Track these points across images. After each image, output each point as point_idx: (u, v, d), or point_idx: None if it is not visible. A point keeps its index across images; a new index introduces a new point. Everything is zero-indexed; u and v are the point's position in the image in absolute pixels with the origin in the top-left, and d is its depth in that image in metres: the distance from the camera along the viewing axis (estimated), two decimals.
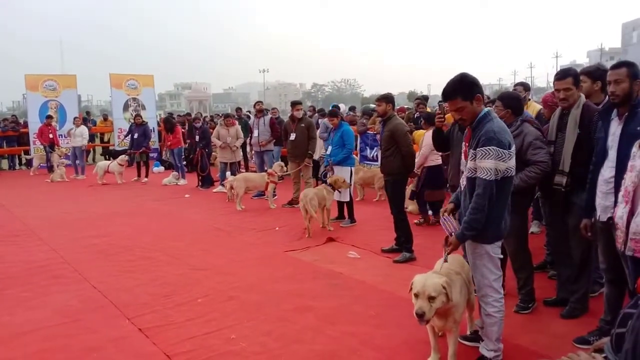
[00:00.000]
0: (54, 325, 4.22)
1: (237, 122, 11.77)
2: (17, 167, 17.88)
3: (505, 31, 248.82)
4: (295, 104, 9.33)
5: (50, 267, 5.87)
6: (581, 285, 4.12)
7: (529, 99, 6.80)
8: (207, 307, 4.56)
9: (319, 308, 4.47)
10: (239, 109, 15.68)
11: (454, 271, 3.31)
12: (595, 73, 4.34)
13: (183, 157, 13.36)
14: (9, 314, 4.48)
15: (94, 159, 19.05)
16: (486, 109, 3.20)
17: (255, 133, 10.67)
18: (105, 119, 20.79)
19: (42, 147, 15.60)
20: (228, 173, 11.25)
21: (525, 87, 6.95)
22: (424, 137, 7.32)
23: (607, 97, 4.43)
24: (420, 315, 2.97)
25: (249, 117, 15.27)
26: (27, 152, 17.27)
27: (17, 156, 18.10)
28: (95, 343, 3.88)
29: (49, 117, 15.36)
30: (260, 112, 11.00)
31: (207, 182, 11.95)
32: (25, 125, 17.75)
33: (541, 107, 5.74)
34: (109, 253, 6.41)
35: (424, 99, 12.27)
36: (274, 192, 9.53)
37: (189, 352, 3.70)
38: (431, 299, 2.98)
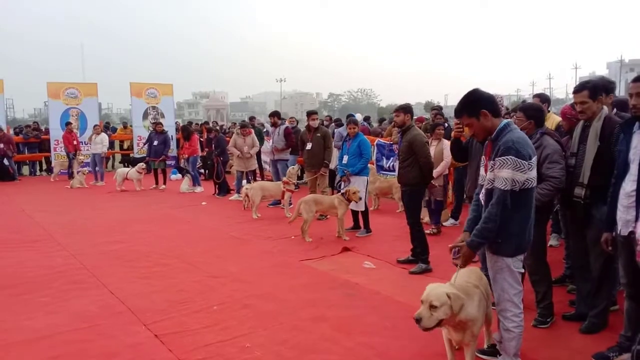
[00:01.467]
0: (72, 330, 4.27)
1: (253, 131, 11.86)
2: (38, 173, 18.19)
3: (524, 42, 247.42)
4: (311, 114, 9.37)
5: (69, 272, 5.94)
6: (601, 299, 4.06)
7: (549, 111, 6.73)
8: (223, 314, 4.58)
9: (334, 318, 4.46)
10: (252, 118, 15.80)
11: (473, 284, 3.28)
12: (608, 87, 4.39)
13: (199, 165, 13.48)
14: (28, 319, 4.54)
15: (113, 166, 19.31)
16: (505, 121, 3.19)
17: (270, 142, 10.76)
18: (125, 126, 21.08)
19: (63, 154, 15.87)
20: (244, 181, 11.32)
21: (543, 98, 6.81)
22: (445, 148, 7.31)
23: (614, 109, 4.45)
24: (417, 321, 2.96)
25: (262, 126, 15.41)
26: (48, 159, 17.58)
27: (37, 162, 18.41)
28: (112, 349, 3.92)
29: (69, 123, 15.62)
30: (275, 124, 11.08)
31: (223, 189, 12.03)
32: (47, 132, 18.08)
33: (561, 119, 5.69)
34: (127, 259, 6.47)
35: (439, 109, 12.33)
36: (290, 200, 9.56)
37: (204, 359, 3.72)
38: (433, 307, 2.95)
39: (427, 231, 7.23)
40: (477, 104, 3.16)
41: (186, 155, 13.09)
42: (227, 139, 13.79)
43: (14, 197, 12.27)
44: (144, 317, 4.51)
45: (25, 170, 18.26)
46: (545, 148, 4.07)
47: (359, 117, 15.06)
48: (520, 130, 4.11)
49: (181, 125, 17.65)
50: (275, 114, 11.41)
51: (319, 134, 8.91)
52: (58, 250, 7.05)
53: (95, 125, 15.50)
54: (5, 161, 15.85)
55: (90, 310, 4.73)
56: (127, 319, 4.51)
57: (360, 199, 7.40)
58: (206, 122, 20.58)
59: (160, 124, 14.40)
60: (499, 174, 3.05)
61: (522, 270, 3.24)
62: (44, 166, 18.24)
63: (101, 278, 5.67)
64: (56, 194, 13.01)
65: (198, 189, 12.72)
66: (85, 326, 4.36)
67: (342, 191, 7.56)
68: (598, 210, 3.88)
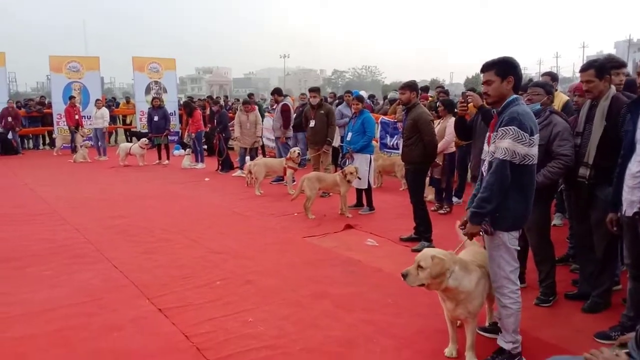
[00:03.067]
0: (75, 304, 4.29)
1: (256, 108, 11.78)
2: (41, 147, 18.19)
3: (531, 20, 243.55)
4: (311, 91, 9.27)
5: (73, 246, 5.96)
6: (604, 279, 4.05)
7: (556, 90, 6.63)
8: (225, 290, 4.60)
9: (336, 295, 4.47)
10: (251, 95, 15.73)
11: (477, 264, 3.29)
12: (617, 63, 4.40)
13: (203, 140, 13.44)
14: (31, 292, 4.57)
15: (116, 141, 19.28)
16: (515, 95, 3.18)
17: (272, 119, 10.74)
18: (128, 101, 20.98)
19: (65, 127, 15.83)
20: (247, 158, 11.29)
21: (553, 77, 6.72)
22: (448, 125, 7.22)
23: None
24: (403, 276, 3.13)
25: (264, 101, 15.38)
26: (51, 133, 17.57)
27: (40, 136, 18.39)
28: (115, 322, 3.94)
29: (72, 97, 15.53)
30: (277, 101, 11.01)
31: (226, 166, 12.01)
32: (49, 106, 18.03)
33: (568, 98, 5.62)
34: (130, 234, 6.49)
35: (442, 87, 12.36)
36: (293, 178, 9.54)
37: (207, 333, 3.74)
38: (420, 268, 3.08)
39: (432, 209, 7.25)
40: (511, 68, 3.19)
41: (193, 134, 12.97)
42: (231, 115, 13.73)
43: (17, 171, 12.28)
44: (147, 291, 4.53)
45: (29, 144, 18.25)
46: (555, 125, 4.03)
47: (364, 94, 14.93)
48: (541, 104, 4.13)
49: (183, 100, 17.52)
50: (276, 91, 11.31)
51: (322, 111, 8.84)
52: (61, 224, 7.06)
53: (97, 100, 15.41)
54: (10, 135, 15.84)
55: (93, 284, 4.75)
56: (130, 293, 4.54)
57: (359, 178, 7.38)
58: (210, 97, 20.39)
59: (158, 98, 14.24)
60: (499, 144, 3.06)
61: (518, 248, 3.24)
62: (47, 140, 18.24)
63: (104, 252, 5.69)
64: (59, 168, 13.02)
65: (199, 165, 12.70)
66: (89, 300, 4.38)
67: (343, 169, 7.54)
68: (602, 191, 3.85)
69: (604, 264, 4.02)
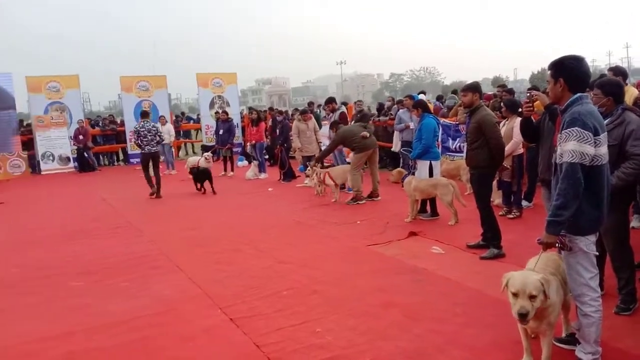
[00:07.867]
0: (152, 314, 4.50)
1: (312, 117, 11.98)
2: (116, 163, 19.20)
3: (599, 8, 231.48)
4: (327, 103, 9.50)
5: (148, 258, 6.25)
6: None
7: (626, 84, 6.23)
8: (293, 299, 4.67)
9: (403, 304, 4.44)
10: (311, 103, 15.99)
11: (550, 272, 3.17)
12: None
13: (264, 151, 13.79)
14: (109, 304, 4.82)
15: (186, 154, 20.23)
16: (579, 94, 3.07)
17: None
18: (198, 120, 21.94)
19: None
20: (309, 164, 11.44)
21: (617, 71, 6.17)
22: (515, 126, 6.96)
23: None
24: (524, 315, 2.88)
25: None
26: (124, 150, 18.53)
27: (115, 153, 19.41)
28: (190, 332, 4.10)
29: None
30: (333, 109, 11.18)
31: (288, 175, 12.23)
32: (122, 124, 19.03)
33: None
34: (201, 245, 6.73)
35: (504, 86, 12.00)
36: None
37: (277, 343, 3.82)
38: (532, 297, 2.88)
39: (500, 213, 7.02)
40: (560, 70, 3.14)
41: (253, 142, 13.39)
42: (291, 124, 14.00)
43: (94, 187, 13.04)
44: (219, 301, 4.68)
45: (105, 160, 19.31)
46: (629, 124, 3.82)
47: (423, 97, 14.69)
48: (599, 106, 3.91)
49: (255, 110, 17.92)
50: (331, 100, 11.54)
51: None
52: (138, 236, 7.43)
53: (160, 116, 16.03)
54: (85, 153, 16.83)
55: (168, 295, 4.96)
56: (203, 303, 4.71)
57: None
58: (270, 108, 20.87)
59: (226, 112, 14.77)
60: (564, 147, 2.96)
61: (597, 253, 3.09)
62: (121, 156, 19.25)
63: (178, 263, 5.93)
64: (132, 182, 13.62)
65: (262, 176, 13.00)
66: (164, 310, 4.58)
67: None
68: None
69: None
